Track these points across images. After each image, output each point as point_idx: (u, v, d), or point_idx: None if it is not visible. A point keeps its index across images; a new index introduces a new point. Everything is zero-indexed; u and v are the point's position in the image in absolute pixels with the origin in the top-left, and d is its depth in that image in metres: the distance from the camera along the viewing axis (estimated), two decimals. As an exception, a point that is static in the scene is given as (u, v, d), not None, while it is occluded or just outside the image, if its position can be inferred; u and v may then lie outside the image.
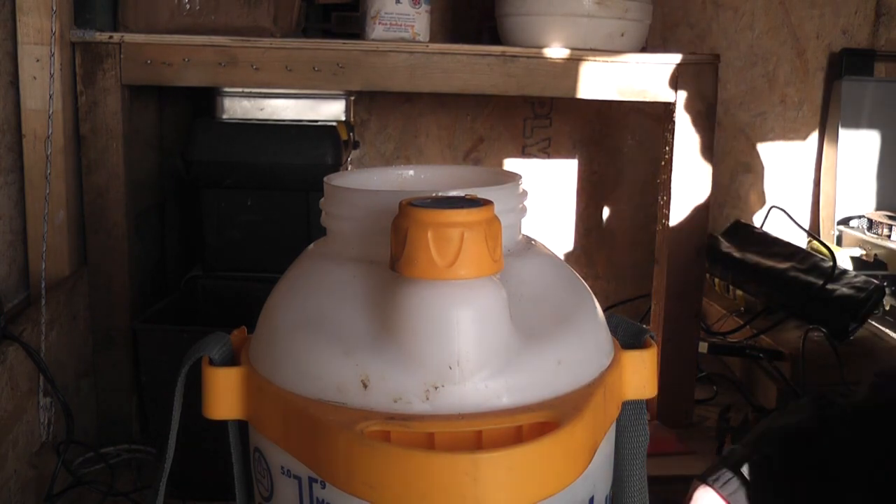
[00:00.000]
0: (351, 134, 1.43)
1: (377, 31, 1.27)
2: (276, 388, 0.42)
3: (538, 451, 0.36)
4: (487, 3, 1.45)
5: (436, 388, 0.38)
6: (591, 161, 1.75)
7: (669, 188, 1.29)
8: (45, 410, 1.04)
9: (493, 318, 0.39)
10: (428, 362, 0.38)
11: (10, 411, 0.94)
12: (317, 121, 1.33)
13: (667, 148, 1.31)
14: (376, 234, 0.43)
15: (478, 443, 0.36)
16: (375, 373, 0.38)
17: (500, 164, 1.70)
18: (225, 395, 0.45)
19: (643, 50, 1.36)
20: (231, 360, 0.46)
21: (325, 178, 0.48)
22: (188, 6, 1.24)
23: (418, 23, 1.28)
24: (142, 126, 1.47)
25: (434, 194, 0.40)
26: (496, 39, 1.38)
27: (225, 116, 1.31)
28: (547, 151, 1.73)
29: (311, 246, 0.49)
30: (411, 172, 0.53)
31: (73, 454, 1.11)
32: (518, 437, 0.38)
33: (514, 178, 0.47)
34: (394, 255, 0.38)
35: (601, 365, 0.44)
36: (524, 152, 1.72)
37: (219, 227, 1.30)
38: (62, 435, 1.06)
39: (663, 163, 1.31)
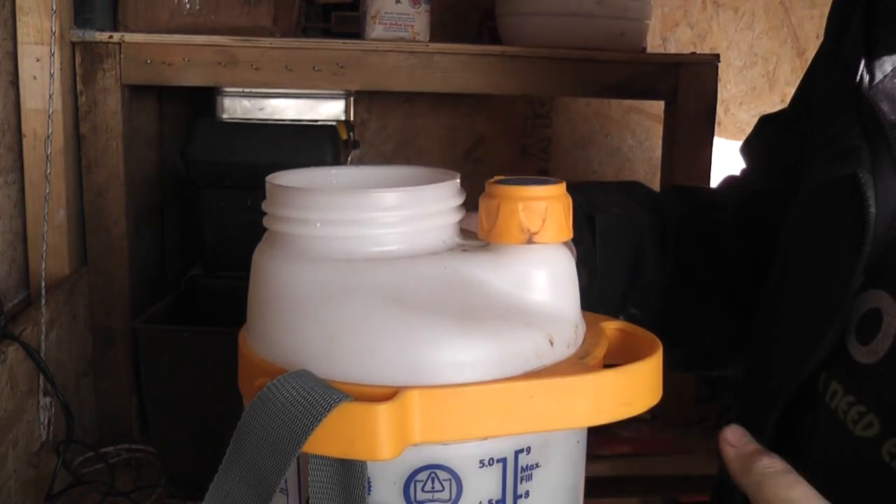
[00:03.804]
0: (351, 134, 1.43)
1: (377, 30, 1.27)
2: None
3: (649, 367, 0.42)
4: (487, 3, 1.45)
5: (552, 341, 0.43)
6: (590, 161, 1.75)
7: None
8: (45, 410, 1.04)
9: (575, 274, 0.46)
10: (545, 315, 0.43)
11: (10, 411, 0.94)
12: (317, 121, 1.33)
13: (666, 148, 1.31)
14: (337, 233, 0.43)
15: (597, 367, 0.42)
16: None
17: (501, 164, 1.70)
18: (393, 432, 0.37)
19: (643, 50, 1.36)
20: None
21: (268, 178, 0.46)
22: (188, 6, 1.24)
23: (418, 22, 1.28)
24: (142, 126, 1.47)
25: (502, 176, 0.44)
26: (496, 39, 1.38)
27: (225, 116, 1.31)
28: (547, 151, 1.73)
29: (268, 249, 0.47)
30: (342, 171, 0.53)
31: (73, 454, 1.11)
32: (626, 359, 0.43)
33: (452, 175, 0.47)
34: (485, 228, 0.43)
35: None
36: (524, 152, 1.72)
37: (219, 226, 1.30)
38: (62, 435, 1.06)
39: (663, 163, 1.31)
